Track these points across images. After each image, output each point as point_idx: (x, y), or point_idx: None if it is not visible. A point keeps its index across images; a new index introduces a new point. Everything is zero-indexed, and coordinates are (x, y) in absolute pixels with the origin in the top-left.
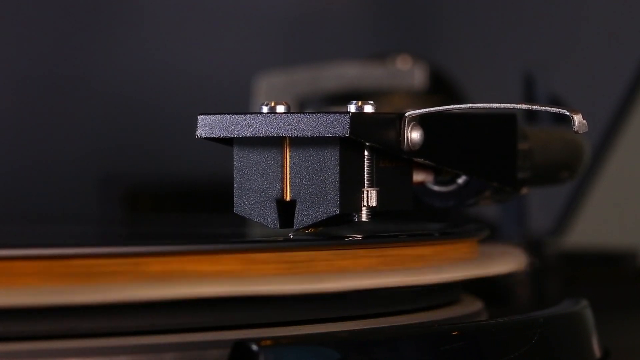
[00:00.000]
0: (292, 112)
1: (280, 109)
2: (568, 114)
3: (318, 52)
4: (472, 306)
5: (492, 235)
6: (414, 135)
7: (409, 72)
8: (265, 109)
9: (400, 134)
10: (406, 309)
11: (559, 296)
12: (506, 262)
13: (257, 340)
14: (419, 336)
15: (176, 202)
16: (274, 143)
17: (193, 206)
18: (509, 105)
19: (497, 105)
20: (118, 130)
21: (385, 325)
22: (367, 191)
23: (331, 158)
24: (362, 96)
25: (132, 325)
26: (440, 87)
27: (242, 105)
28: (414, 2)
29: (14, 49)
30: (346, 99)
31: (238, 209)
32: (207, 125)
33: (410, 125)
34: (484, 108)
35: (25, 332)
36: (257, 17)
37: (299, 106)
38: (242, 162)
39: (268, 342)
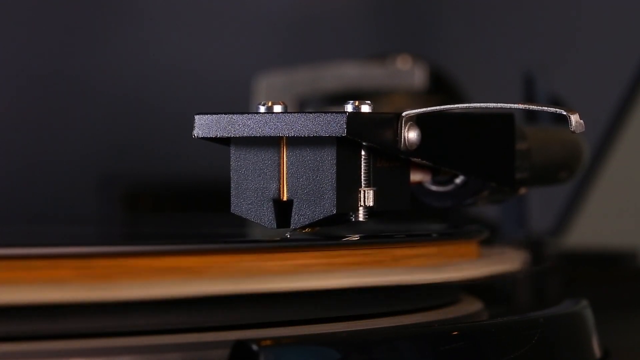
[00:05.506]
0: (289, 112)
1: (277, 108)
2: (565, 113)
3: (318, 52)
4: (472, 306)
5: (492, 235)
6: (411, 135)
7: (409, 72)
8: (262, 109)
9: (397, 133)
10: (406, 309)
11: (559, 296)
12: (506, 262)
13: (257, 340)
14: (418, 336)
15: (176, 202)
16: (271, 143)
17: (193, 206)
18: (506, 105)
19: (495, 105)
20: (118, 130)
21: (385, 326)
22: (364, 191)
23: (328, 158)
24: (362, 96)
25: (131, 325)
26: (440, 87)
27: (242, 105)
28: (414, 2)
29: (14, 49)
30: (346, 99)
31: (235, 208)
32: (204, 125)
33: (408, 125)
34: (481, 108)
35: (22, 332)
36: (257, 17)
37: (299, 106)
38: (239, 162)
39: (268, 342)
